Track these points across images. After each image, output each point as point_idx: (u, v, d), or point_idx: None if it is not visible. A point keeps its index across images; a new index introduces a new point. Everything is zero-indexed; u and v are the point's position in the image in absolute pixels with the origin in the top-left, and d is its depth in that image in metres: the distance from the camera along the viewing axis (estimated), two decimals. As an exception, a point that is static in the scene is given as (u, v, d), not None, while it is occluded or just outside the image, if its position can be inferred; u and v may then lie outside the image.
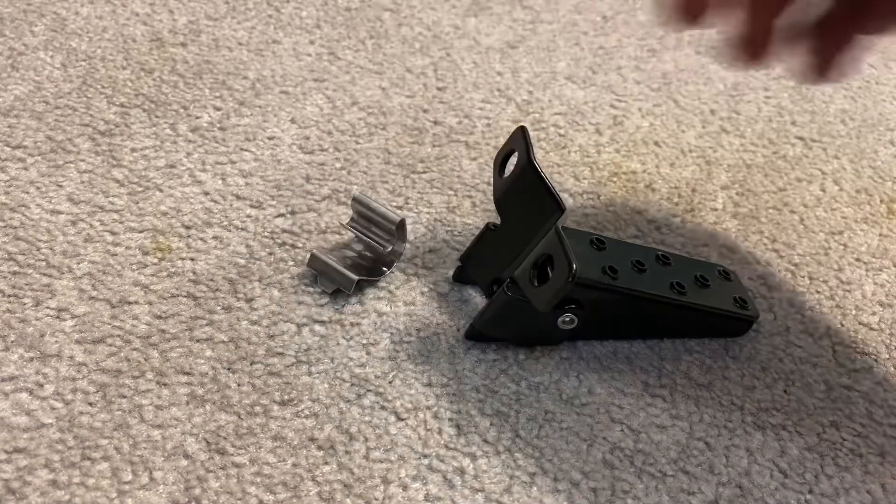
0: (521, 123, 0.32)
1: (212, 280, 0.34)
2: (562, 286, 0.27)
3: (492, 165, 0.41)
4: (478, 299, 0.34)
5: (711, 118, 0.47)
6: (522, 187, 0.31)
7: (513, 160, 0.32)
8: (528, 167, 0.31)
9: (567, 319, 0.31)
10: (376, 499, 0.27)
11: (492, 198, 0.38)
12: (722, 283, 0.34)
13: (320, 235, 0.36)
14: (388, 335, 0.32)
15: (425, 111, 0.44)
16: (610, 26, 0.54)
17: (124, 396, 0.29)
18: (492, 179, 0.34)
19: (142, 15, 0.49)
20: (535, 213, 0.31)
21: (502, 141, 0.43)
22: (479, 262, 0.34)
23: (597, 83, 0.48)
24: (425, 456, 0.28)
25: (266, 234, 0.36)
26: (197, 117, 0.42)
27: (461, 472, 0.28)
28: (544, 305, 0.28)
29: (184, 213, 0.36)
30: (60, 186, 0.37)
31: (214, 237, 0.35)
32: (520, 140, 0.32)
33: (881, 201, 0.42)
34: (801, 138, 0.46)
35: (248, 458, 0.28)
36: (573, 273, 0.26)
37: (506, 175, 0.32)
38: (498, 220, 0.33)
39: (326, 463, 0.28)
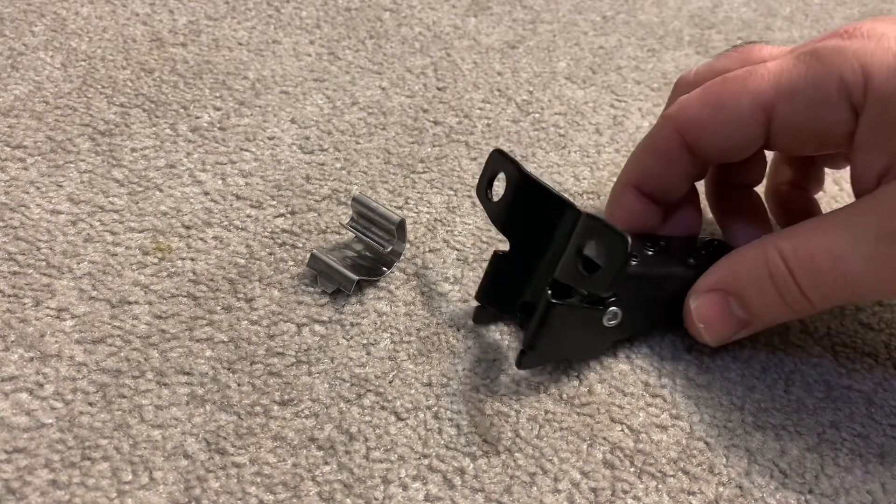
0: (497, 147, 0.32)
1: (212, 280, 0.34)
2: (620, 259, 0.26)
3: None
4: (474, 304, 0.34)
5: (711, 118, 0.47)
6: (523, 203, 0.31)
7: (498, 183, 0.32)
8: (525, 180, 0.30)
9: (611, 316, 0.30)
10: (376, 499, 0.27)
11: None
12: (725, 251, 0.34)
13: (320, 235, 0.36)
14: (388, 335, 0.32)
15: (425, 111, 0.44)
16: (610, 26, 0.54)
17: (124, 396, 0.29)
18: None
19: (142, 15, 0.49)
20: (544, 222, 0.30)
21: (503, 141, 0.43)
22: (498, 294, 0.32)
23: (597, 83, 0.48)
24: (425, 456, 0.28)
25: (266, 234, 0.36)
26: (197, 117, 0.42)
27: (461, 472, 0.28)
28: (605, 287, 0.27)
29: (184, 213, 0.36)
30: (60, 186, 0.37)
31: (214, 237, 0.35)
32: (501, 161, 0.31)
33: (881, 201, 0.42)
34: (801, 138, 0.46)
35: (248, 458, 0.28)
36: (627, 242, 0.26)
37: (495, 199, 0.32)
38: (498, 247, 0.32)
39: (326, 463, 0.28)
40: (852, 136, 0.29)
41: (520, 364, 0.30)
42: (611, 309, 0.30)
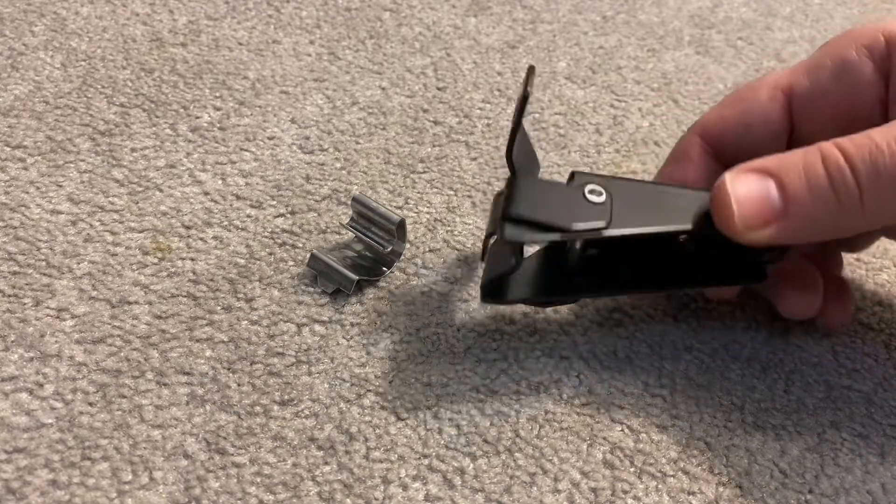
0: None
1: (212, 280, 0.34)
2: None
3: (491, 166, 0.41)
4: (474, 304, 0.34)
5: (711, 118, 0.47)
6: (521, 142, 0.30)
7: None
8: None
9: (591, 190, 0.28)
10: (376, 499, 0.27)
11: (492, 197, 0.38)
12: None
13: (320, 235, 0.36)
14: (388, 335, 0.32)
15: (425, 111, 0.44)
16: (610, 26, 0.54)
17: (124, 396, 0.29)
18: (492, 203, 0.33)
19: (142, 15, 0.49)
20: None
21: (502, 141, 0.43)
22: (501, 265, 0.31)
23: (597, 83, 0.48)
24: (425, 456, 0.28)
25: (266, 234, 0.36)
26: (197, 117, 0.42)
27: (461, 472, 0.28)
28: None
29: (184, 213, 0.36)
30: (60, 186, 0.37)
31: (214, 237, 0.35)
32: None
33: (881, 201, 0.42)
34: (801, 138, 0.46)
35: (248, 458, 0.28)
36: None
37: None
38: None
39: (326, 463, 0.28)
40: (882, 101, 0.28)
41: (504, 233, 0.28)
42: (589, 186, 0.28)
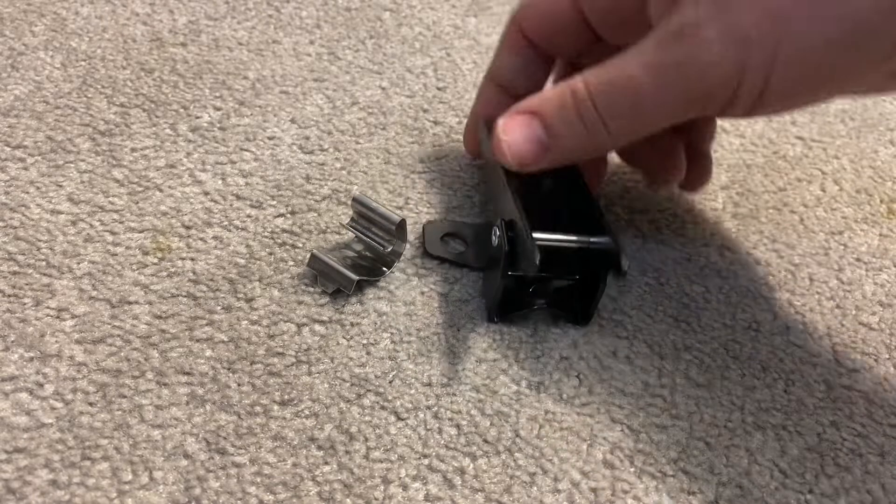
0: None
1: (212, 280, 0.34)
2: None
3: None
4: (474, 304, 0.34)
5: (711, 118, 0.47)
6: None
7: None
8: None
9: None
10: (376, 499, 0.27)
11: (493, 197, 0.38)
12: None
13: (320, 235, 0.36)
14: (388, 335, 0.32)
15: (425, 111, 0.44)
16: (610, 26, 0.54)
17: (124, 396, 0.29)
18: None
19: (142, 15, 0.49)
20: None
21: (502, 141, 0.43)
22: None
23: (597, 83, 0.48)
24: (425, 456, 0.28)
25: (266, 234, 0.36)
26: (197, 117, 0.42)
27: (461, 472, 0.28)
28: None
29: (184, 213, 0.36)
30: (60, 186, 0.37)
31: (214, 237, 0.35)
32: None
33: (881, 201, 0.42)
34: (801, 138, 0.46)
35: (248, 458, 0.28)
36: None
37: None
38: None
39: (326, 463, 0.28)
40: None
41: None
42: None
